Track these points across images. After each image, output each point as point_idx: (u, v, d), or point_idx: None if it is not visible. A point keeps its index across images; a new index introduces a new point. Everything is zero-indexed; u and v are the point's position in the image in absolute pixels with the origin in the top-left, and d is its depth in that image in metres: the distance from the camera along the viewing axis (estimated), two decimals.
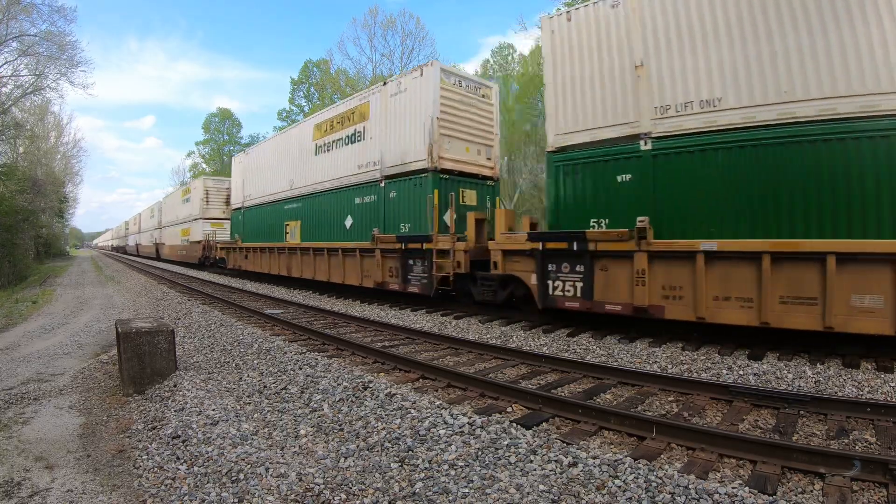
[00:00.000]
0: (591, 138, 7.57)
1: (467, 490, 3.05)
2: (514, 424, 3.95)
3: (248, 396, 5.13)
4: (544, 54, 8.28)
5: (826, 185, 5.71)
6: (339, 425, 4.20)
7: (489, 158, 11.54)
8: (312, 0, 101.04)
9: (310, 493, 3.12)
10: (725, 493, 2.83)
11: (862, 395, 4.68)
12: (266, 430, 4.26)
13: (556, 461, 3.33)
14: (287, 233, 15.68)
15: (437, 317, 9.54)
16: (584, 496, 2.94)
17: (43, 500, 3.22)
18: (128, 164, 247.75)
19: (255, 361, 6.38)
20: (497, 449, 3.55)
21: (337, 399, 4.76)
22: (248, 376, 5.77)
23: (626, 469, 3.17)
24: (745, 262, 6.10)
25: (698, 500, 2.81)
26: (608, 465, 3.23)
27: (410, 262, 10.55)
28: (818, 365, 5.50)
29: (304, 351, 6.79)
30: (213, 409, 4.58)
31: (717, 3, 6.38)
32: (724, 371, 5.51)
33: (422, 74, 10.46)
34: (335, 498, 3.06)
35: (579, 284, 7.55)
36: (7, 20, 23.15)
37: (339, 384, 5.16)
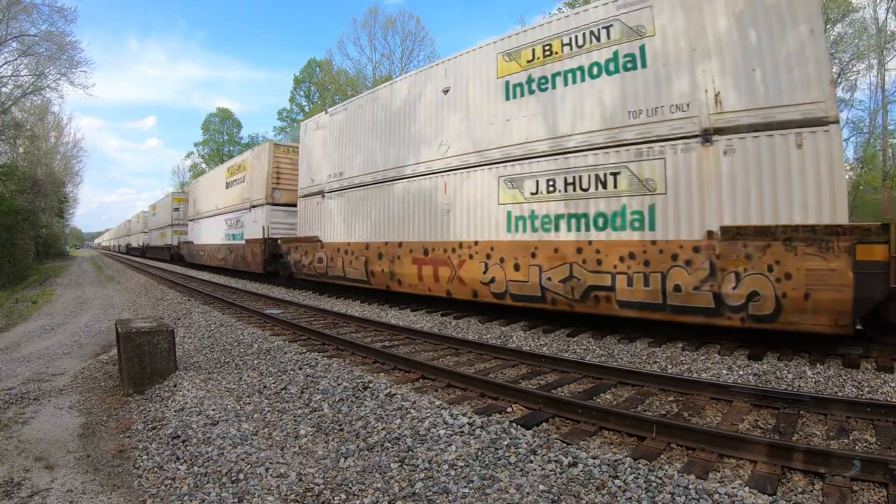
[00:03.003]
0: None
1: (467, 490, 3.06)
2: (514, 424, 3.95)
3: (247, 396, 5.12)
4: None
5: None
6: (339, 425, 4.20)
7: None
8: (313, 0, 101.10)
9: (310, 493, 3.12)
10: (725, 493, 2.83)
11: (862, 395, 4.67)
12: (266, 430, 4.26)
13: (555, 461, 3.33)
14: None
15: (437, 317, 9.55)
16: (584, 496, 2.94)
17: (43, 500, 3.22)
18: (129, 165, 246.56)
19: (255, 361, 6.38)
20: (497, 449, 3.55)
21: (337, 399, 4.76)
22: (248, 376, 5.77)
23: (626, 469, 3.17)
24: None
25: (698, 500, 2.81)
26: (608, 465, 3.23)
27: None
28: (818, 365, 5.50)
29: (304, 351, 6.79)
30: (213, 410, 4.58)
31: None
32: (724, 371, 5.51)
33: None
34: (335, 498, 3.06)
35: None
36: (7, 20, 23.18)
37: (339, 384, 5.16)
